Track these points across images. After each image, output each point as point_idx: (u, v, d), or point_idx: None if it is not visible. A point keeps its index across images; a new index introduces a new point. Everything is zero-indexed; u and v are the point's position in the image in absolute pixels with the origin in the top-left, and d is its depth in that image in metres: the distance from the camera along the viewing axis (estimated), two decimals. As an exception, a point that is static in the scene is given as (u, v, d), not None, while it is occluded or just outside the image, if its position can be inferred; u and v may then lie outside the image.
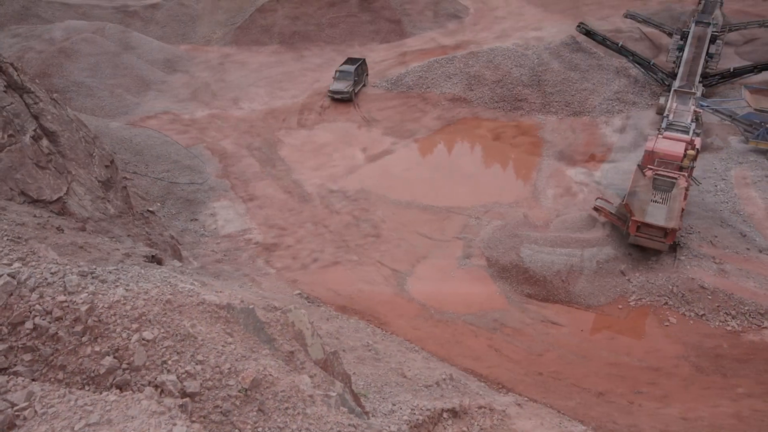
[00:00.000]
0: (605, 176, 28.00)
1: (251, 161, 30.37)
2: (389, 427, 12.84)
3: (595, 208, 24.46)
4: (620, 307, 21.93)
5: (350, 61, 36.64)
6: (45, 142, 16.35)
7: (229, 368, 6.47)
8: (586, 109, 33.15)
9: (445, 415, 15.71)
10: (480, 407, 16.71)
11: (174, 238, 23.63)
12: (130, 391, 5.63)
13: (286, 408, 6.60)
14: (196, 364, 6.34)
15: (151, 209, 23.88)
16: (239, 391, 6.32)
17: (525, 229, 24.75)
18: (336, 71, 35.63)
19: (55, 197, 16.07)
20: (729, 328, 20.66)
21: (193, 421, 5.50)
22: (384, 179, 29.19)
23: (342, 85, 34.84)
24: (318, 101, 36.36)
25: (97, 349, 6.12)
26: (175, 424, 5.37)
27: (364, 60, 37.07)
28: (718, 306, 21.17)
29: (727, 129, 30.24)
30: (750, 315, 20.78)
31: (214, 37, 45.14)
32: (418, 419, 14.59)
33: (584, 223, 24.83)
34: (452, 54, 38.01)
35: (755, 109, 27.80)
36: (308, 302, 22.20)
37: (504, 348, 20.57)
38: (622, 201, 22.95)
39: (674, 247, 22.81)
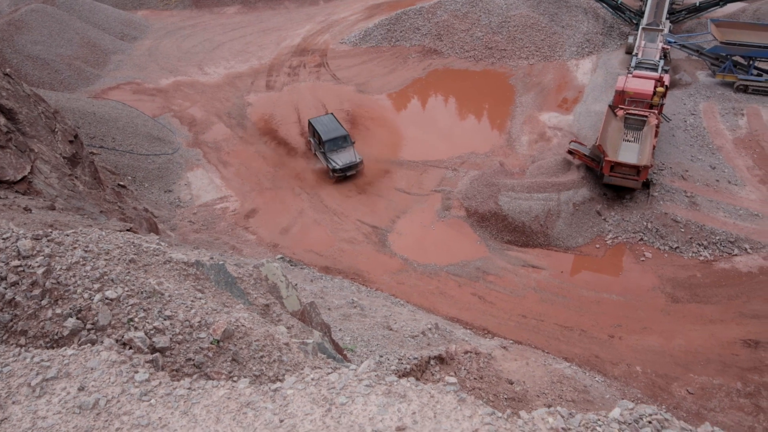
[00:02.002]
0: (578, 119, 28.11)
1: (222, 127, 29.73)
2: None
3: (569, 151, 24.63)
4: (598, 246, 22.37)
5: (324, 122, 26.70)
6: (2, 120, 15.73)
7: (200, 321, 6.46)
8: (557, 53, 32.95)
9: (432, 362, 16.03)
10: (466, 352, 17.06)
11: (149, 211, 23.24)
12: (89, 344, 5.61)
13: (261, 356, 6.64)
14: (165, 319, 6.31)
15: (122, 183, 23.36)
16: (211, 343, 6.33)
17: (502, 178, 24.87)
18: (322, 142, 25.57)
19: (19, 177, 15.57)
20: (702, 258, 21.28)
21: (173, 379, 5.50)
22: (356, 135, 28.89)
23: (350, 155, 25.85)
24: (286, 61, 35.47)
25: (58, 311, 6.04)
26: (137, 372, 5.39)
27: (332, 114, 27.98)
28: (690, 238, 21.73)
29: (694, 64, 30.42)
30: (721, 244, 21.41)
31: (172, 0, 43.40)
32: (405, 368, 14.92)
33: (559, 167, 25.02)
34: (420, 5, 37.19)
35: (722, 43, 27.92)
36: (291, 265, 22.21)
37: (487, 295, 20.95)
38: (595, 142, 23.10)
39: (647, 184, 23.18)
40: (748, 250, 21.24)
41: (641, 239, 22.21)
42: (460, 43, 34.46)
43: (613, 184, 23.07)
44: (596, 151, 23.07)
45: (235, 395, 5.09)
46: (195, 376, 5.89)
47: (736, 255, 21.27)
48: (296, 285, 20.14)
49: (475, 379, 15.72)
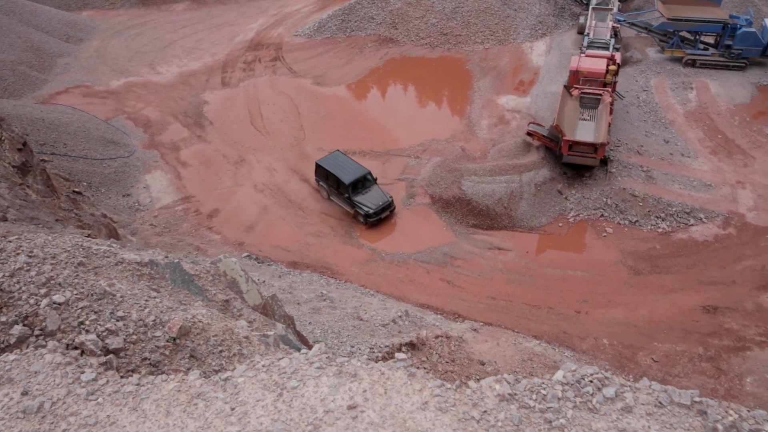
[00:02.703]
0: (535, 101, 28.44)
1: (178, 127, 29.13)
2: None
3: (528, 133, 24.93)
4: (560, 225, 22.74)
5: (337, 162, 23.87)
6: (-58, 129, 15.08)
7: (154, 320, 6.34)
8: (511, 36, 33.24)
9: (403, 349, 16.09)
10: (437, 337, 17.16)
11: (107, 217, 22.66)
12: (32, 349, 5.45)
13: (221, 351, 6.56)
14: (117, 320, 6.17)
15: (77, 190, 22.70)
16: (168, 341, 6.21)
17: (464, 163, 25.03)
18: (344, 186, 22.86)
19: (-35, 188, 14.98)
20: (660, 230, 21.84)
21: (122, 376, 5.38)
22: (318, 129, 28.69)
23: (379, 195, 23.25)
24: (240, 57, 34.91)
25: (3, 319, 5.85)
26: (83, 372, 5.26)
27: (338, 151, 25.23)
28: (648, 211, 22.27)
29: (644, 41, 31.08)
30: (677, 215, 22.01)
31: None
32: (377, 356, 14.95)
33: (520, 149, 25.31)
34: (373, -7, 37.04)
35: (668, 19, 28.57)
36: (258, 263, 21.99)
37: (456, 279, 21.11)
38: (553, 123, 23.43)
39: (605, 161, 23.64)
40: (703, 220, 21.88)
41: (602, 215, 22.65)
42: (416, 31, 34.47)
43: (572, 162, 23.45)
44: (554, 131, 23.40)
45: (186, 387, 5.00)
46: (144, 372, 5.78)
47: (692, 225, 21.89)
48: (264, 281, 20.07)
49: (447, 362, 15.83)
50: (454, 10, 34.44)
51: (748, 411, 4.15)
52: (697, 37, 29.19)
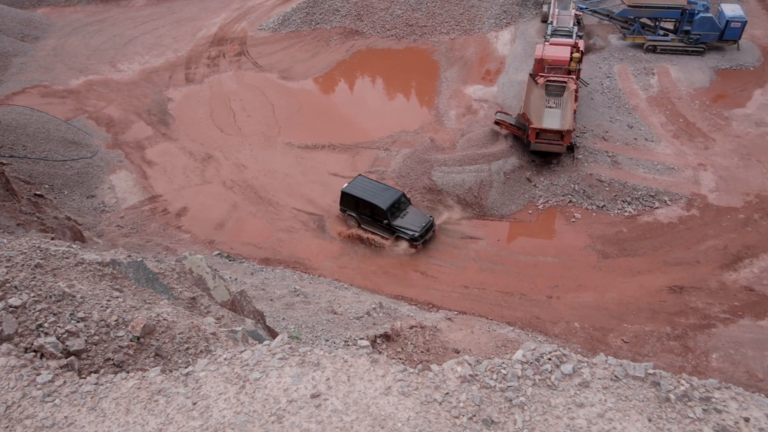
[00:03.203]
0: (502, 90, 28.66)
1: (142, 126, 28.55)
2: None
3: (496, 122, 25.11)
4: (530, 212, 22.99)
5: (365, 187, 22.28)
6: None
7: (117, 320, 6.21)
8: (476, 26, 33.39)
9: (378, 340, 16.10)
10: (411, 327, 17.22)
11: (71, 219, 22.12)
12: None
13: (187, 348, 6.47)
14: (78, 322, 6.03)
15: (38, 193, 22.07)
16: (131, 341, 6.09)
17: (433, 153, 25.10)
18: (380, 212, 21.35)
19: None
20: (626, 214, 22.26)
21: (81, 377, 5.26)
22: (286, 123, 28.44)
23: (419, 216, 21.96)
24: (204, 52, 34.34)
25: None
26: (39, 374, 5.14)
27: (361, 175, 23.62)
28: (615, 195, 22.67)
29: (606, 28, 31.56)
30: (643, 199, 22.46)
31: (75, -4, 41.07)
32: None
33: (488, 138, 25.48)
34: (337, -15, 36.79)
35: (629, 6, 29.08)
36: (229, 260, 21.76)
37: (429, 270, 21.20)
38: (520, 111, 23.64)
39: (571, 148, 23.96)
40: (668, 202, 22.37)
41: (570, 201, 22.97)
42: (381, 22, 34.37)
43: (540, 150, 23.71)
44: (521, 119, 23.62)
45: (146, 384, 4.92)
46: (102, 371, 5.66)
47: (657, 208, 22.36)
48: (236, 279, 19.86)
49: (422, 352, 15.90)
50: (418, 1, 34.45)
51: (699, 380, 4.27)
52: (657, 23, 29.78)
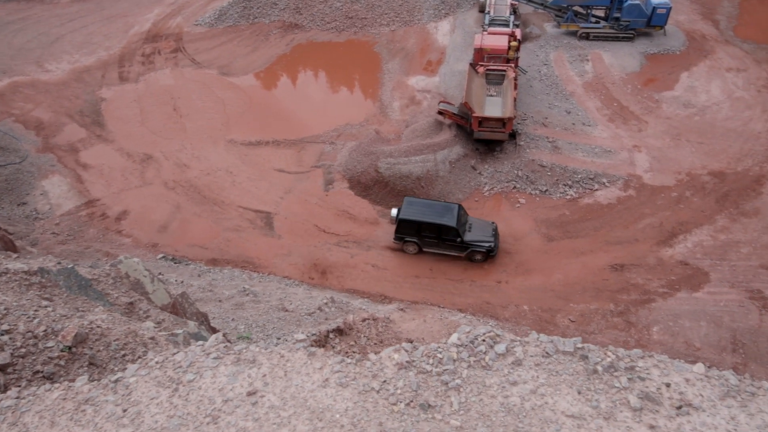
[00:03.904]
0: (444, 80, 28.91)
1: (75, 128, 27.29)
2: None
3: (439, 112, 25.32)
4: (477, 199, 23.30)
5: (419, 209, 20.84)
6: None
7: (46, 330, 5.90)
8: (416, 17, 33.53)
9: (331, 335, 15.99)
10: (364, 320, 17.18)
11: (2, 229, 20.99)
12: None
13: (124, 355, 6.22)
14: (2, 334, 5.69)
15: (-37, 202, 20.83)
16: (62, 351, 5.81)
17: (379, 145, 25.09)
18: (448, 229, 20.19)
19: None
20: (568, 197, 22.88)
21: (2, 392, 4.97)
22: (227, 120, 27.80)
23: (484, 224, 21.16)
24: (138, 50, 33.10)
25: None
26: None
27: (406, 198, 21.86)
28: (556, 180, 23.27)
29: (541, 17, 32.30)
30: (583, 182, 23.15)
31: (-6, -7, 38.80)
32: (304, 346, 14.79)
33: (432, 128, 25.67)
34: (274, -22, 36.13)
35: (561, -5, 29.91)
36: (175, 263, 21.15)
37: (380, 262, 21.21)
38: (462, 100, 23.90)
39: (513, 135, 24.42)
40: (606, 184, 23.13)
41: (514, 187, 23.40)
42: (321, 15, 34.03)
43: (483, 138, 24.05)
44: (464, 108, 23.88)
45: (72, 395, 4.67)
46: (24, 384, 5.37)
47: (596, 190, 23.08)
48: (182, 282, 19.31)
49: (375, 344, 15.89)
50: (358, -8, 34.30)
51: (625, 351, 4.41)
52: (589, 11, 30.72)
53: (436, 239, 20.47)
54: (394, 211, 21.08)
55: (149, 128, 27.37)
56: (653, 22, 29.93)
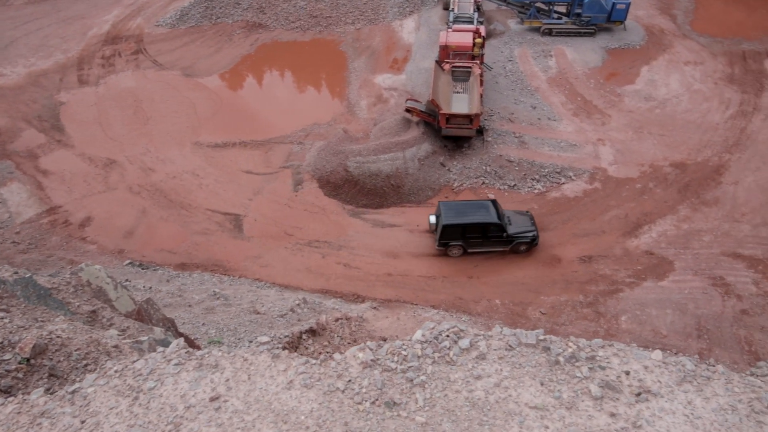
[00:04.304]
0: (410, 77, 28.97)
1: (33, 133, 26.50)
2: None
3: (407, 110, 25.34)
4: (446, 196, 23.42)
5: (458, 210, 20.71)
6: None
7: (2, 342, 5.71)
8: (380, 15, 33.53)
9: (304, 336, 15.91)
10: (337, 320, 17.15)
11: (-43, 239, 20.29)
12: None
13: (86, 365, 6.03)
14: (-46, 349, 5.47)
15: None
16: (20, 363, 5.61)
17: (347, 144, 25.01)
18: (492, 226, 20.14)
19: None
20: (536, 191, 23.18)
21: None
22: (192, 122, 27.35)
23: (520, 215, 21.40)
24: (97, 52, 32.30)
25: None
26: None
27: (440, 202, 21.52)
28: (524, 174, 23.54)
29: (504, 13, 32.63)
30: (550, 176, 23.47)
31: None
32: (277, 347, 14.66)
33: (400, 126, 25.69)
34: (235, -22, 35.66)
35: (524, -9, 30.29)
36: (142, 269, 20.74)
37: (352, 261, 21.14)
38: (429, 98, 23.98)
39: (481, 131, 24.61)
40: (572, 177, 23.50)
41: (483, 182, 23.59)
42: (285, 14, 33.75)
43: (451, 135, 24.17)
44: (431, 106, 23.96)
45: (27, 408, 4.51)
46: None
47: (563, 183, 23.42)
48: (150, 287, 18.94)
49: (349, 343, 15.85)
50: (320, -10, 34.12)
51: (586, 341, 4.47)
52: (551, 7, 31.18)
53: (481, 238, 20.40)
54: (432, 219, 21.00)
55: (111, 132, 26.76)
56: (613, 18, 30.54)
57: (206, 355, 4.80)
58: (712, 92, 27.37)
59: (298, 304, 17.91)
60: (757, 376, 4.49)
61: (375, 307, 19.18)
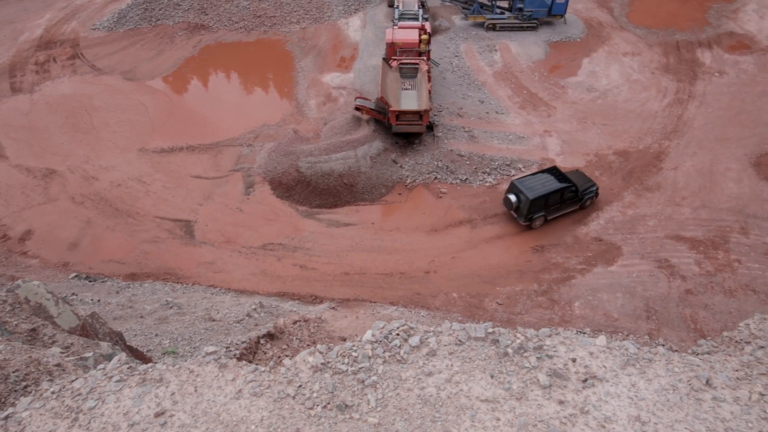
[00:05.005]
0: (358, 75, 28.90)
1: (-37, 146, 25.13)
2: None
3: (357, 108, 25.27)
4: (400, 193, 23.48)
5: (531, 186, 21.27)
6: None
7: (-75, 370, 5.32)
8: (325, 14, 33.31)
9: (262, 341, 15.66)
10: (295, 322, 16.96)
11: None
12: None
13: (26, 386, 5.72)
14: None
15: None
16: (-50, 390, 5.27)
17: (298, 145, 24.75)
18: (572, 185, 21.33)
19: None
20: (488, 184, 23.50)
21: None
22: (137, 128, 26.49)
23: (578, 174, 22.75)
24: (30, 58, 30.84)
25: None
26: None
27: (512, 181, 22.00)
28: (475, 168, 23.84)
29: (449, 10, 32.97)
30: (500, 168, 23.85)
31: None
32: (235, 354, 14.38)
33: (351, 124, 25.60)
34: (174, -23, 34.72)
35: (466, -13, 30.66)
36: (90, 281, 19.99)
37: (308, 262, 20.95)
38: (378, 95, 23.96)
39: (431, 127, 24.79)
40: (522, 169, 23.96)
41: (436, 178, 23.76)
42: (227, 15, 33.10)
43: (402, 131, 24.25)
44: (380, 103, 23.96)
45: (-46, 441, 4.24)
46: None
47: (513, 175, 23.83)
48: (99, 300, 18.25)
49: (308, 345, 15.67)
50: (264, -10, 33.61)
51: (533, 331, 4.52)
52: (494, 2, 31.68)
53: (560, 203, 21.63)
54: (512, 197, 21.58)
55: (50, 141, 25.63)
56: (554, 11, 31.30)
57: (150, 370, 4.61)
58: (650, 82, 28.42)
59: (255, 309, 17.64)
60: (698, 354, 4.65)
61: (333, 308, 19.07)
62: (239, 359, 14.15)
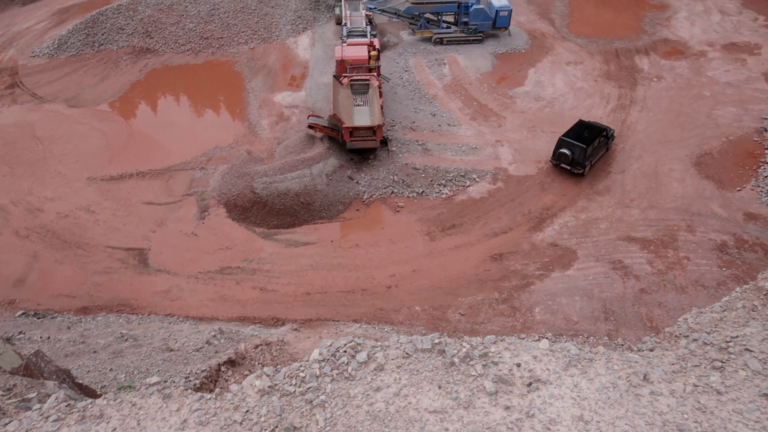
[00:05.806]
0: (310, 94, 28.91)
1: None
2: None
3: (310, 126, 25.25)
4: (357, 209, 23.45)
5: (573, 132, 24.11)
6: None
7: None
8: (274, 33, 33.29)
9: (223, 368, 15.31)
10: (256, 347, 16.67)
11: None
12: None
13: (-39, 435, 5.41)
14: None
15: None
16: None
17: (252, 165, 24.51)
18: (602, 136, 23.93)
19: None
20: (444, 195, 23.73)
21: None
22: (82, 155, 25.72)
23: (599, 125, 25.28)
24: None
25: None
26: None
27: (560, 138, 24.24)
28: (431, 180, 24.06)
29: (396, 25, 33.46)
30: (455, 180, 24.15)
31: None
32: (195, 384, 13.98)
33: (305, 143, 25.52)
34: (117, 2, 34.08)
35: (412, 3, 31.21)
36: (38, 318, 19.15)
37: (268, 284, 20.64)
38: (331, 113, 23.99)
39: (385, 142, 24.95)
40: (476, 179, 24.29)
41: (392, 192, 23.86)
42: (174, 38, 32.68)
43: (356, 147, 24.31)
44: (333, 120, 23.99)
45: None
46: None
47: (468, 186, 24.16)
48: (48, 338, 17.49)
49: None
50: (210, 12, 33.36)
51: (479, 339, 4.55)
52: (440, 17, 32.35)
53: (598, 147, 24.39)
54: (566, 151, 23.80)
55: (-10, 174, 24.61)
56: (498, 24, 32.17)
57: (89, 406, 4.42)
58: (593, 89, 29.42)
59: (215, 336, 17.24)
60: (639, 351, 4.78)
61: (296, 329, 18.80)
62: (199, 389, 13.78)
